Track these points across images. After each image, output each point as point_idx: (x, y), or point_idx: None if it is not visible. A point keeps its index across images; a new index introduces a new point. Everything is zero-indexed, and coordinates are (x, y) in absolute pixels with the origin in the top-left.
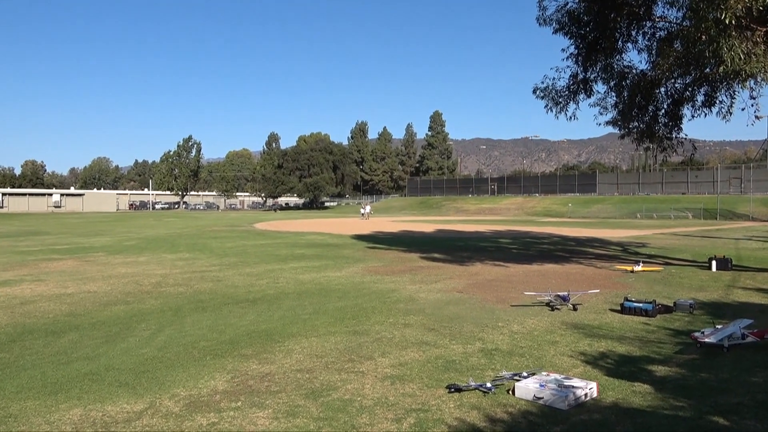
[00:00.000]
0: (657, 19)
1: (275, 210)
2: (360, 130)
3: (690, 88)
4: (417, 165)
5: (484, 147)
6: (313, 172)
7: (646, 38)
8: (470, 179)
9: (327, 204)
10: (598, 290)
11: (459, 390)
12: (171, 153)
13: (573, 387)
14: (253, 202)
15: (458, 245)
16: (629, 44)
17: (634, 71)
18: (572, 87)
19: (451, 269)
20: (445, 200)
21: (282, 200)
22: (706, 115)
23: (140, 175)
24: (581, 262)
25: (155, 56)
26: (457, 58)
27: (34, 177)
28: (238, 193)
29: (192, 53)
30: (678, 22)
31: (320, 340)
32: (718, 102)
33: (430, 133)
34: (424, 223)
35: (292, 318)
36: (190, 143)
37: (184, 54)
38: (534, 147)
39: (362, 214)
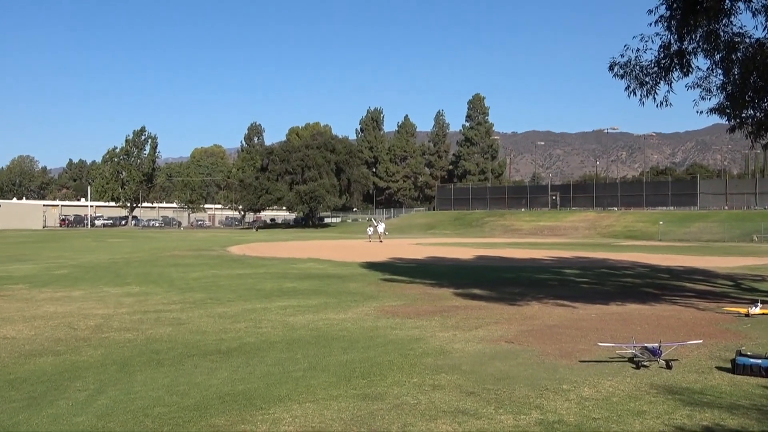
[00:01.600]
0: None
1: (256, 228)
2: (372, 121)
3: None
4: (450, 167)
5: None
6: (309, 177)
7: None
8: (523, 187)
9: (327, 220)
10: (700, 341)
11: None
12: (117, 151)
13: None
14: (227, 218)
15: (507, 278)
16: (740, 3)
17: (747, 40)
18: (663, 62)
19: (497, 311)
20: (489, 216)
21: (266, 215)
22: None
23: (75, 180)
24: (677, 301)
25: (95, 27)
26: (503, 23)
27: None
28: (206, 206)
29: (145, 21)
30: None
31: (318, 407)
32: None
33: (468, 125)
34: (460, 247)
35: (279, 376)
36: (143, 137)
37: (135, 23)
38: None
39: (370, 235)
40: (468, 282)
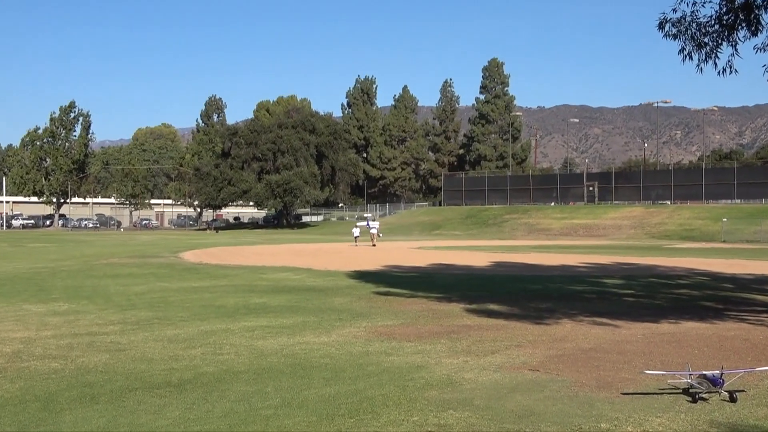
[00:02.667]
0: None
1: (215, 229)
2: (363, 93)
3: None
4: (461, 152)
5: (576, 121)
6: (283, 164)
7: None
8: (552, 176)
9: (306, 219)
10: None
11: None
12: (39, 132)
13: None
14: (179, 216)
15: (532, 290)
16: None
17: None
18: (726, 17)
19: (520, 331)
20: (509, 212)
21: (229, 212)
22: None
23: None
24: (744, 318)
25: None
26: None
27: None
28: (153, 201)
29: None
30: None
31: None
32: None
33: (482, 98)
34: (473, 252)
35: (245, 415)
36: (72, 115)
37: None
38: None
39: (357, 237)
40: (483, 295)
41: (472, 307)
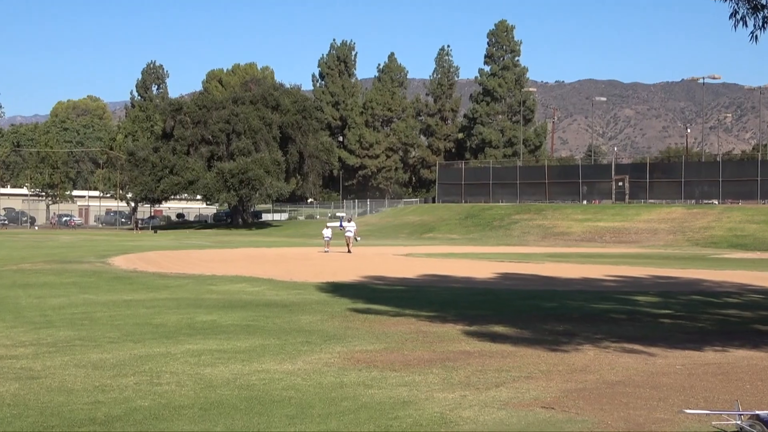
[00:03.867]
0: None
1: (153, 229)
2: (339, 62)
3: None
4: (460, 136)
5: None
6: (239, 149)
7: None
8: (573, 168)
9: (267, 216)
10: None
11: None
12: None
13: None
14: (108, 212)
15: (546, 308)
16: None
17: None
18: None
19: (531, 359)
20: (519, 211)
21: (171, 207)
22: None
23: None
24: None
25: None
26: None
27: None
28: (76, 193)
29: None
30: None
31: None
32: None
33: (487, 69)
34: (474, 260)
35: None
36: None
37: None
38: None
39: (328, 240)
40: (486, 315)
41: (472, 329)
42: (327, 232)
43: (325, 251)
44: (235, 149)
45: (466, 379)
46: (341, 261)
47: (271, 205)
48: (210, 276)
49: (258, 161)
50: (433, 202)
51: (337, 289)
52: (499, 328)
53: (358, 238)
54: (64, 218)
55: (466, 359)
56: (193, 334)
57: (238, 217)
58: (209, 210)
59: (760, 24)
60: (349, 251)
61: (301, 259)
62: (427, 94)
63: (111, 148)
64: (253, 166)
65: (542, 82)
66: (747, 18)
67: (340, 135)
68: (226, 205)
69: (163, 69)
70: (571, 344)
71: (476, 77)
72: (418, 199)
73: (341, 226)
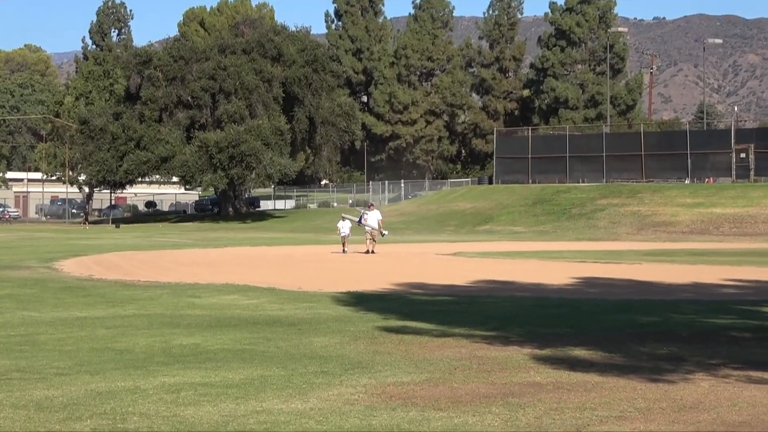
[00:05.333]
0: None
1: (114, 223)
2: None
3: None
4: (525, 93)
5: (719, 42)
6: (228, 114)
7: None
8: (679, 134)
9: (267, 205)
10: None
11: None
12: None
13: None
14: (54, 201)
15: (643, 324)
16: None
17: None
18: None
19: (624, 392)
20: (607, 193)
21: (139, 193)
22: None
23: None
24: None
25: None
26: None
27: None
28: (11, 175)
29: None
30: None
31: None
32: None
33: (561, 3)
34: (547, 260)
35: None
36: None
37: None
38: None
39: (345, 236)
40: (562, 333)
41: (544, 354)
42: (343, 227)
43: (343, 251)
44: (223, 114)
45: (536, 420)
46: (366, 263)
47: (271, 190)
48: (191, 285)
49: (254, 130)
50: (490, 183)
51: (361, 300)
52: (579, 352)
53: (385, 232)
54: None
55: (537, 394)
56: (169, 363)
57: (227, 206)
58: (189, 196)
59: None
60: (370, 251)
61: (312, 262)
62: (480, 38)
63: (57, 115)
64: (248, 136)
65: (636, 19)
66: None
67: (363, 94)
68: (211, 189)
69: (125, 8)
70: (678, 372)
71: (546, 14)
72: (469, 180)
73: (360, 220)
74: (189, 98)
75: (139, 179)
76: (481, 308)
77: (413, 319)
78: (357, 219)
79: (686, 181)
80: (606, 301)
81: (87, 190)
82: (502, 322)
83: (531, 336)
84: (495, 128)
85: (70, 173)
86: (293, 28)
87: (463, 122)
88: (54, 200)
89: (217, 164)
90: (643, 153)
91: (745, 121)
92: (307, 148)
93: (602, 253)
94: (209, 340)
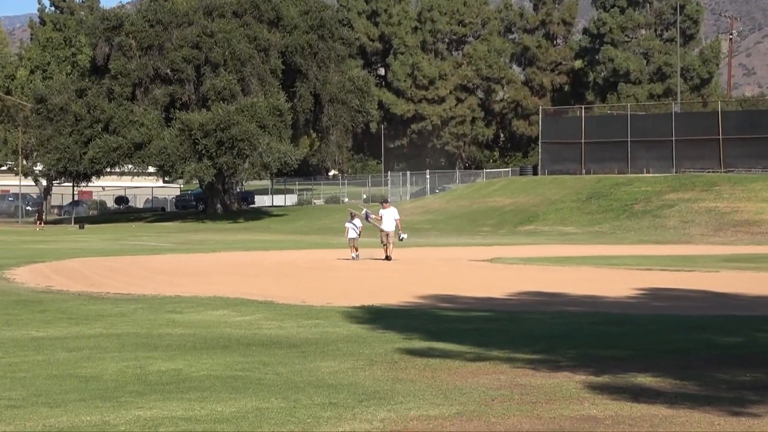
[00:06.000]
0: None
1: (79, 224)
2: None
3: None
4: (576, 65)
5: None
6: (216, 91)
7: None
8: (764, 113)
9: (263, 200)
10: None
11: None
12: None
13: None
14: (5, 196)
15: (724, 345)
16: None
17: None
18: None
19: (699, 427)
20: (677, 186)
21: (108, 186)
22: None
23: None
24: None
25: None
26: None
27: None
28: None
29: None
30: None
31: None
32: None
33: None
34: (604, 268)
35: None
36: None
37: None
38: None
39: (353, 238)
40: (623, 356)
41: (602, 381)
42: (351, 228)
43: (353, 257)
44: (210, 91)
45: None
46: (383, 272)
47: (269, 182)
48: (171, 298)
49: (247, 110)
50: (535, 173)
51: (378, 317)
52: (645, 379)
53: (404, 236)
54: None
55: (592, 430)
56: (144, 393)
57: (215, 202)
58: (168, 191)
59: None
60: (387, 257)
61: (318, 270)
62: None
63: (8, 93)
64: (240, 117)
65: None
66: None
67: (380, 66)
68: (195, 182)
69: None
70: (765, 404)
71: None
72: (509, 170)
73: (367, 218)
74: (168, 71)
75: (108, 170)
76: (524, 326)
77: (441, 339)
78: (368, 214)
79: None
80: (676, 318)
81: (44, 182)
82: (549, 343)
83: (585, 360)
84: (540, 107)
85: (24, 163)
86: None
87: (501, 100)
88: (4, 195)
89: (203, 151)
90: (720, 137)
91: None
92: (311, 131)
93: (671, 259)
94: (193, 364)
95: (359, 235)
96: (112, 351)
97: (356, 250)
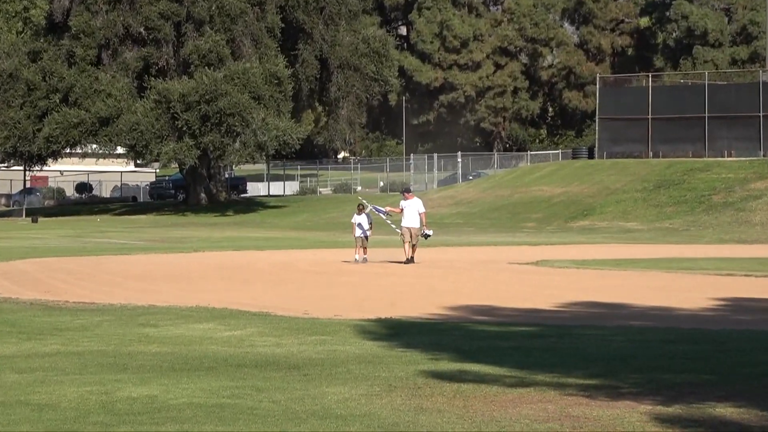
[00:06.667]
0: None
1: (31, 217)
2: None
3: None
4: (641, 23)
5: None
6: (200, 54)
7: None
8: None
9: (256, 188)
10: None
11: None
12: None
13: None
14: None
15: None
16: None
17: None
18: None
19: None
20: (763, 170)
21: (64, 170)
22: None
23: None
24: None
25: None
26: None
27: None
28: None
29: None
30: None
31: None
32: None
33: None
34: (672, 273)
35: None
36: None
37: None
38: None
39: (361, 236)
40: (699, 382)
41: (673, 412)
42: (359, 224)
43: (356, 259)
44: (193, 54)
45: None
46: (404, 277)
47: (265, 166)
48: (145, 308)
49: (238, 77)
50: (590, 156)
51: (397, 332)
52: (725, 410)
53: (429, 232)
54: None
55: None
56: (111, 425)
57: (198, 191)
58: (141, 176)
59: None
60: (409, 260)
61: (324, 274)
62: None
63: None
64: (229, 87)
65: None
66: None
67: (401, 24)
68: (175, 166)
69: None
70: None
71: None
72: (559, 152)
73: (378, 212)
74: (141, 30)
75: (68, 150)
76: (577, 344)
77: (475, 359)
78: (378, 209)
79: None
80: (764, 335)
81: None
82: (608, 366)
83: (652, 386)
84: (598, 75)
85: None
86: None
87: (549, 66)
88: None
89: (184, 128)
90: None
91: None
92: (317, 104)
93: (758, 262)
94: (171, 390)
95: (370, 231)
96: (72, 373)
97: (363, 252)
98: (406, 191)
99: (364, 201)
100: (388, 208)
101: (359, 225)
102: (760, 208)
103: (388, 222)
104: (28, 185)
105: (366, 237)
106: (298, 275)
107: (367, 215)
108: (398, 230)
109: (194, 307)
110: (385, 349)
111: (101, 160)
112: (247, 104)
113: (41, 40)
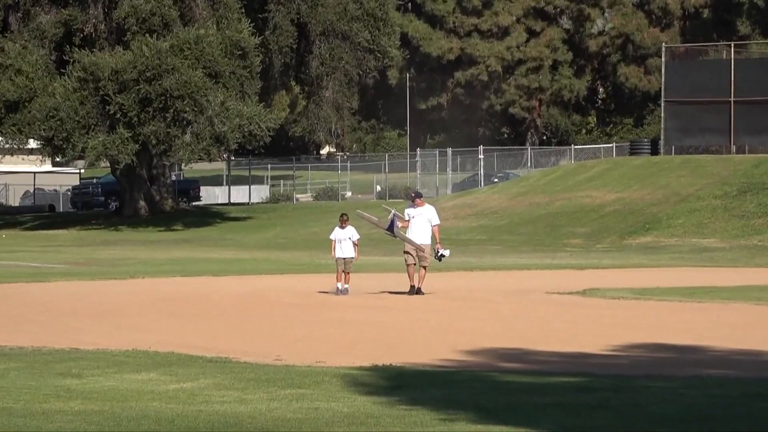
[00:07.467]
0: None
1: None
2: None
3: None
4: None
5: None
6: (140, 19)
7: None
8: None
9: (215, 197)
10: None
11: None
12: None
13: None
14: None
15: None
16: None
17: None
18: None
19: None
20: None
21: None
22: None
23: None
24: None
25: None
26: None
27: None
28: None
29: None
30: None
31: None
32: None
33: None
34: (762, 306)
35: None
36: None
37: None
38: None
39: (339, 259)
40: None
41: None
42: (341, 242)
43: (339, 289)
44: (130, 18)
45: None
46: (408, 312)
47: (225, 166)
48: (66, 352)
49: (189, 48)
50: (654, 152)
51: (400, 384)
52: None
53: (445, 252)
54: None
55: None
56: None
57: (137, 198)
58: (61, 178)
59: None
60: (414, 290)
61: (303, 308)
62: None
63: None
64: (177, 61)
65: None
66: None
67: None
68: (105, 165)
69: None
70: None
71: None
72: (613, 146)
73: (392, 229)
74: None
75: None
76: (639, 400)
77: (502, 421)
78: (386, 222)
79: None
80: None
81: None
82: (681, 428)
83: None
84: (664, 45)
85: None
86: None
87: (600, 33)
88: None
89: (117, 115)
90: None
91: None
92: (293, 83)
93: None
94: None
95: (355, 254)
96: None
97: (346, 279)
98: (417, 197)
99: (393, 210)
100: (401, 225)
101: (341, 243)
102: None
103: (396, 237)
104: None
105: (350, 259)
106: (267, 309)
107: (393, 223)
108: (407, 248)
109: (130, 351)
110: (383, 407)
111: (7, 157)
112: (201, 83)
113: None
